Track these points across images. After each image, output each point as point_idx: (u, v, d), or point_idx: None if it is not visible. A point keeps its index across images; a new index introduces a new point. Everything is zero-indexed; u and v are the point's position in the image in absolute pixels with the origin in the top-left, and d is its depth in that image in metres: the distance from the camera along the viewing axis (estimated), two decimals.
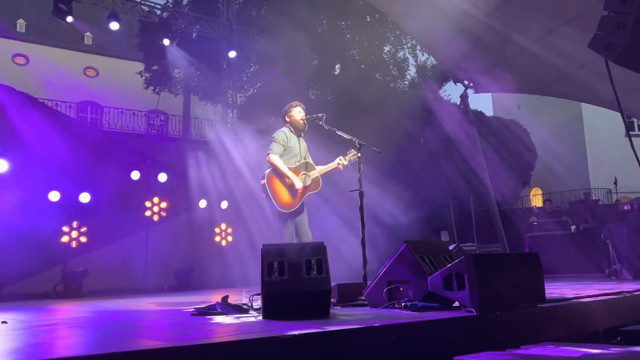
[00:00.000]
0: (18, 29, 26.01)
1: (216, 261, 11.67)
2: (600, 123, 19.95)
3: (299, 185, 4.70)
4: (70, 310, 5.08)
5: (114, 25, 11.07)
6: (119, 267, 9.81)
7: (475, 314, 3.02)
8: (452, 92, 31.50)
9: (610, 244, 7.27)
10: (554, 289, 5.04)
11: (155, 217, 10.62)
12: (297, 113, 4.97)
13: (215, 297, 4.44)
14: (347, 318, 3.16)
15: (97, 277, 9.40)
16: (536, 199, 23.40)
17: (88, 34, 26.40)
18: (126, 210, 10.17)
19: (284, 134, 4.89)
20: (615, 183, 12.23)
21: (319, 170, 4.90)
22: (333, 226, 12.67)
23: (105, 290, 9.21)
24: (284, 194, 4.68)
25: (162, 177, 10.59)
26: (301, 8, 16.53)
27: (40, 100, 14.21)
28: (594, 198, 16.77)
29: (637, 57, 6.35)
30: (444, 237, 12.46)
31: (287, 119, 5.04)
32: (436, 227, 13.16)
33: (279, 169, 4.71)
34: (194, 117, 19.19)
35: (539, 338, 3.11)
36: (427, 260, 3.67)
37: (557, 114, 21.91)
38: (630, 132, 21.82)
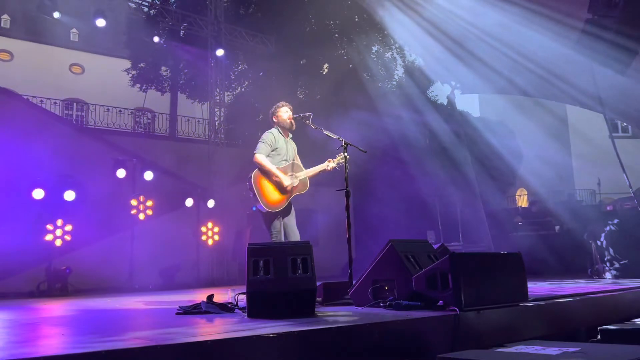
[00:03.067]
0: (2, 25, 25.66)
1: (202, 260, 11.65)
2: (585, 124, 20.18)
3: (287, 182, 4.70)
4: (54, 309, 5.04)
5: (101, 22, 10.96)
6: (104, 266, 9.72)
7: (458, 312, 3.04)
8: (439, 92, 31.58)
9: (592, 244, 7.37)
10: (537, 288, 5.10)
11: (141, 216, 10.55)
12: (284, 113, 4.97)
13: (201, 296, 4.43)
14: (332, 317, 3.17)
15: (82, 276, 9.31)
16: (522, 199, 23.61)
17: (74, 30, 26.12)
18: (112, 208, 10.10)
19: (271, 134, 4.90)
20: (599, 184, 12.38)
21: (307, 172, 4.90)
22: (321, 225, 12.70)
23: (90, 289, 9.13)
24: (270, 194, 4.68)
25: (148, 176, 10.52)
26: (289, 7, 16.52)
27: (25, 97, 14.04)
28: (578, 199, 16.98)
29: (621, 59, 6.43)
30: (430, 236, 12.53)
31: (274, 120, 5.04)
32: (422, 226, 13.23)
33: (266, 167, 4.71)
34: (181, 115, 19.08)
35: (521, 336, 3.15)
36: (412, 259, 3.69)
37: (543, 116, 22.11)
38: (614, 134, 22.08)
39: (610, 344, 2.83)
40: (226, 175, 12.62)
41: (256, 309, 3.29)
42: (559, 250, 9.69)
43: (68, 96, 22.76)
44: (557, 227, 10.49)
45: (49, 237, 9.08)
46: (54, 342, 2.51)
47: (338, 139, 4.60)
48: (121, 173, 10.08)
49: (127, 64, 19.64)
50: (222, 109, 14.66)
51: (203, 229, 11.61)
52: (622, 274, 6.81)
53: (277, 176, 4.71)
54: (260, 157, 4.72)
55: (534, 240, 10.57)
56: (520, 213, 13.58)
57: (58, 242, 9.14)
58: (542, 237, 10.50)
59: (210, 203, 11.51)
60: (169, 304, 4.95)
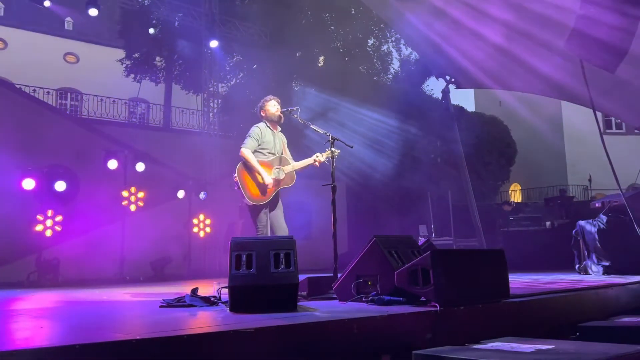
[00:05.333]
0: None
1: (193, 252, 11.66)
2: (579, 121, 20.20)
3: (268, 180, 4.71)
4: (40, 300, 5.04)
5: (93, 12, 10.87)
6: (94, 257, 9.73)
7: (439, 308, 3.06)
8: (434, 86, 31.66)
9: (581, 240, 7.41)
10: (522, 285, 5.12)
11: (132, 207, 10.54)
12: (272, 107, 4.99)
13: (190, 289, 4.43)
14: (312, 311, 3.19)
15: (73, 267, 9.32)
16: (515, 195, 23.70)
17: (69, 19, 25.94)
18: (102, 199, 10.08)
19: (259, 129, 4.93)
20: (590, 180, 12.45)
21: (294, 165, 4.93)
22: (314, 218, 12.73)
23: (80, 280, 9.12)
24: (255, 188, 4.70)
25: (140, 167, 10.49)
26: None
27: (18, 86, 13.97)
28: (570, 195, 17.04)
29: (612, 57, 6.46)
30: (422, 230, 12.54)
31: (262, 114, 5.06)
32: (414, 220, 13.27)
33: (250, 163, 4.74)
34: (175, 106, 19.03)
35: (501, 333, 3.17)
36: (395, 255, 3.71)
37: (537, 111, 22.15)
38: (608, 130, 22.18)
39: (587, 341, 2.86)
40: (219, 167, 12.62)
41: (238, 303, 3.30)
42: (549, 245, 9.75)
43: (62, 85, 22.66)
44: (547, 223, 10.55)
45: (39, 227, 9.06)
46: (30, 334, 2.52)
47: (325, 133, 4.61)
48: (112, 164, 10.03)
49: (122, 53, 19.54)
50: (217, 101, 14.64)
51: (194, 220, 11.61)
52: (609, 270, 6.85)
53: (259, 173, 4.73)
54: (246, 151, 4.75)
55: (524, 235, 10.65)
56: (513, 208, 13.63)
57: (48, 233, 9.12)
58: (533, 233, 10.57)
59: (202, 195, 11.51)
60: (156, 296, 4.95)
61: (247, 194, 4.66)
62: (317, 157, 4.83)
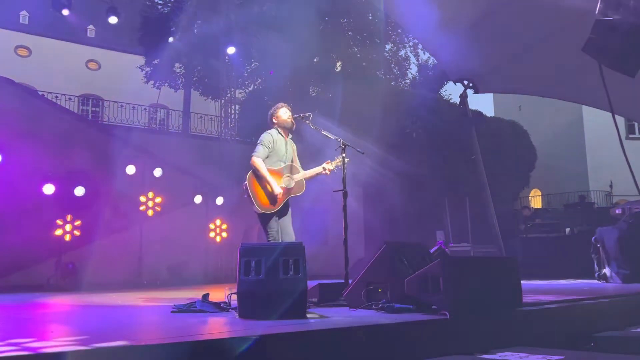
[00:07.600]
0: (21, 21, 26.04)
1: (210, 257, 11.72)
2: (601, 126, 19.84)
3: (277, 190, 4.68)
4: (55, 304, 5.12)
5: (113, 19, 11.05)
6: (113, 262, 9.83)
7: (448, 317, 3.02)
8: (452, 91, 31.41)
9: (600, 248, 7.26)
10: (539, 293, 5.04)
11: (150, 212, 10.64)
12: (284, 113, 4.96)
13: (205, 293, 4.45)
14: (320, 319, 3.18)
15: (92, 271, 9.41)
16: (535, 200, 23.36)
17: (91, 26, 26.45)
18: (121, 204, 10.20)
19: (270, 136, 4.89)
20: (611, 186, 12.18)
21: (304, 174, 4.88)
22: (331, 223, 12.69)
23: (99, 283, 9.21)
24: (264, 197, 4.67)
25: (158, 172, 10.60)
26: (302, 5, 16.49)
27: (40, 93, 14.26)
28: (591, 201, 16.73)
29: (631, 61, 6.33)
30: (440, 236, 12.42)
31: (274, 121, 5.03)
32: (432, 226, 13.16)
33: (260, 172, 4.70)
34: (194, 112, 19.21)
35: (512, 342, 3.12)
36: (405, 262, 3.68)
37: (558, 116, 21.84)
38: (631, 135, 21.76)
39: (600, 352, 2.79)
40: (236, 173, 12.66)
41: (247, 309, 3.30)
42: (568, 252, 9.58)
43: (84, 92, 23.06)
44: (567, 230, 10.37)
45: (58, 232, 9.21)
46: (40, 339, 2.55)
47: (336, 139, 4.58)
48: (131, 170, 10.16)
49: (142, 60, 19.79)
50: (235, 107, 14.74)
51: (211, 225, 11.68)
52: (629, 278, 6.70)
53: (269, 183, 4.70)
54: (257, 160, 4.71)
55: (544, 242, 10.47)
56: (533, 215, 13.42)
57: (67, 237, 9.26)
58: (552, 240, 10.39)
59: (219, 200, 11.58)
60: (170, 301, 4.99)
61: (257, 202, 4.64)
62: (326, 165, 4.80)
